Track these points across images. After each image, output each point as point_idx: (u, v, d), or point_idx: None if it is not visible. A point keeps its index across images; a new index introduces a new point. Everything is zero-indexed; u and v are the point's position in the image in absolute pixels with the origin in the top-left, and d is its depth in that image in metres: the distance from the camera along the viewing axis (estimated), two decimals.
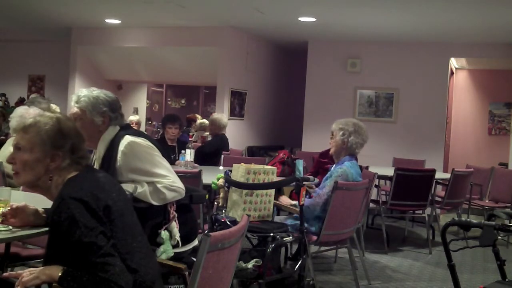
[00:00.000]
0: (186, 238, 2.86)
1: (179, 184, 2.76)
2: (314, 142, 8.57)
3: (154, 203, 2.67)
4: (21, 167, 2.05)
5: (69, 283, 1.83)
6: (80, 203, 1.89)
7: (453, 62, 9.47)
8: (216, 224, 3.38)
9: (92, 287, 1.81)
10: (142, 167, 2.70)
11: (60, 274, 1.84)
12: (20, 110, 4.18)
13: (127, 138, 2.73)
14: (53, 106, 4.71)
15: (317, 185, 4.17)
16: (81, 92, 2.84)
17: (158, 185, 2.68)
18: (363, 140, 4.19)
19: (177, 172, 2.89)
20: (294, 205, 3.96)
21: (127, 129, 2.86)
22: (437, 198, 6.34)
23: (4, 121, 9.01)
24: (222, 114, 7.44)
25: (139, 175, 2.69)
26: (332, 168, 4.21)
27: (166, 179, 2.72)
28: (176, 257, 2.72)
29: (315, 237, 3.96)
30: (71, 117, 2.70)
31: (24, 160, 2.03)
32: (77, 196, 1.90)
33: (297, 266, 3.69)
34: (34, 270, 1.89)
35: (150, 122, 12.61)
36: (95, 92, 2.84)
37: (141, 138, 2.78)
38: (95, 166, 2.89)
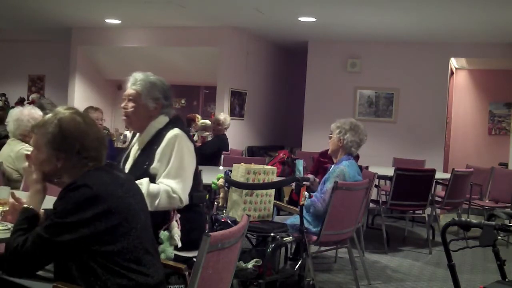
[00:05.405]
0: (196, 243, 2.84)
1: (181, 195, 2.74)
2: (314, 142, 8.56)
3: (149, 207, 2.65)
4: (34, 164, 2.09)
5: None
6: (88, 191, 1.88)
7: (453, 62, 9.46)
8: (216, 224, 3.39)
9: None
10: (170, 159, 2.72)
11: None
12: (15, 112, 4.15)
13: (176, 130, 2.78)
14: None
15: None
16: (138, 76, 2.85)
17: (161, 188, 2.67)
18: (360, 139, 4.17)
19: None
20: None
21: (176, 122, 2.89)
22: (437, 198, 6.34)
23: (2, 123, 8.98)
24: (226, 115, 7.45)
25: (161, 164, 2.71)
26: (331, 169, 4.21)
27: (174, 184, 2.70)
28: (183, 261, 2.70)
29: (315, 237, 3.95)
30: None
31: (35, 159, 2.07)
32: (88, 185, 1.90)
33: (297, 266, 3.70)
34: None
35: None
36: (152, 77, 2.86)
37: (190, 140, 2.83)
38: (132, 149, 2.91)
